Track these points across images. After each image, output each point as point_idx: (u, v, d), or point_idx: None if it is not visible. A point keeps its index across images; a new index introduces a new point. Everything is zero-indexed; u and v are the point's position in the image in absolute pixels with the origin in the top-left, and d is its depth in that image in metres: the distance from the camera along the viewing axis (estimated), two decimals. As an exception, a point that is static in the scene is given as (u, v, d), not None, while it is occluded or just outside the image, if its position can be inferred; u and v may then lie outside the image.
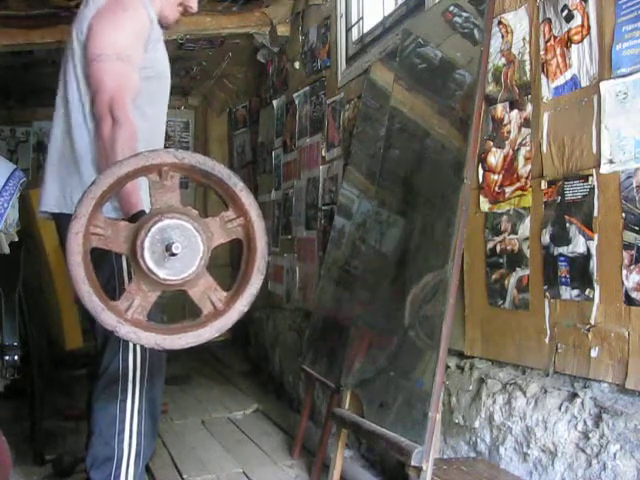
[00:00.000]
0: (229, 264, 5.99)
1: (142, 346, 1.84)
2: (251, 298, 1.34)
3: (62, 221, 1.87)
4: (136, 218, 1.46)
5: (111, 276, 1.83)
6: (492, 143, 2.12)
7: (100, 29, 1.85)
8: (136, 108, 1.85)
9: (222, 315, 1.32)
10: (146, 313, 1.33)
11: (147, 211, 1.75)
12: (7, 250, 2.59)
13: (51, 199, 1.93)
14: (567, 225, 1.81)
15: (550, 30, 1.90)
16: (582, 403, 1.71)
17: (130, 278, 1.81)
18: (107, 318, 1.27)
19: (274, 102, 4.44)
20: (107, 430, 1.84)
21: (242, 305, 1.33)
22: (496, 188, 2.10)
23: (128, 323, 1.28)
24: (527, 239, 1.97)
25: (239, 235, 1.37)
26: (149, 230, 1.29)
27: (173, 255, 1.27)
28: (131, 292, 1.33)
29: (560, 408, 1.77)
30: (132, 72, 1.84)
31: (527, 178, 1.97)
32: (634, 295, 1.61)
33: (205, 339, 1.31)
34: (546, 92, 1.91)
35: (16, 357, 2.67)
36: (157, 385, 1.95)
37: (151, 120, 1.97)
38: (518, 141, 2.01)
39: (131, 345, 1.86)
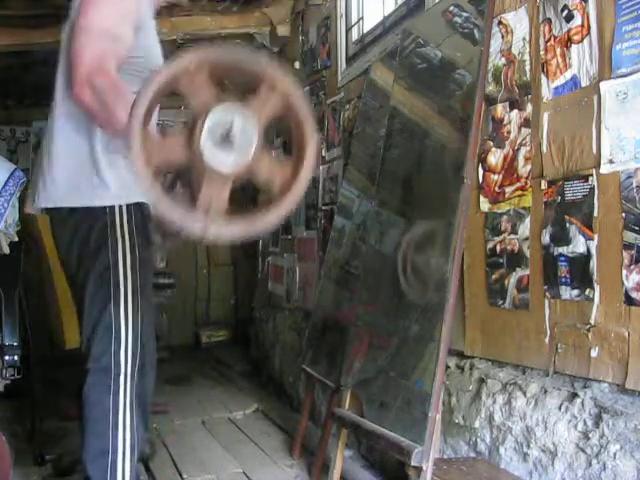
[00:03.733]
0: (231, 263, 6.01)
1: (133, 339, 1.86)
2: (312, 162, 1.34)
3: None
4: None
5: (107, 269, 1.84)
6: (492, 143, 2.12)
7: (90, 2, 1.75)
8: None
9: (292, 186, 1.33)
10: (224, 209, 1.34)
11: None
12: (7, 250, 2.59)
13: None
14: (567, 225, 1.81)
15: (550, 30, 1.90)
16: (582, 403, 1.71)
17: (125, 274, 1.83)
18: (194, 224, 1.27)
19: (274, 102, 4.43)
20: (101, 424, 1.83)
21: (306, 173, 1.32)
22: (496, 188, 2.10)
23: (214, 223, 1.29)
24: (527, 239, 1.97)
25: (280, 109, 1.36)
26: (203, 125, 1.26)
27: (230, 142, 1.26)
28: (205, 196, 1.31)
29: (560, 408, 1.77)
30: (118, 52, 1.73)
31: (527, 178, 1.97)
32: (634, 295, 1.61)
33: (286, 212, 1.31)
34: (546, 92, 1.91)
35: (16, 357, 2.67)
36: (147, 379, 1.94)
37: None
38: (518, 141, 2.01)
39: (122, 338, 1.85)
